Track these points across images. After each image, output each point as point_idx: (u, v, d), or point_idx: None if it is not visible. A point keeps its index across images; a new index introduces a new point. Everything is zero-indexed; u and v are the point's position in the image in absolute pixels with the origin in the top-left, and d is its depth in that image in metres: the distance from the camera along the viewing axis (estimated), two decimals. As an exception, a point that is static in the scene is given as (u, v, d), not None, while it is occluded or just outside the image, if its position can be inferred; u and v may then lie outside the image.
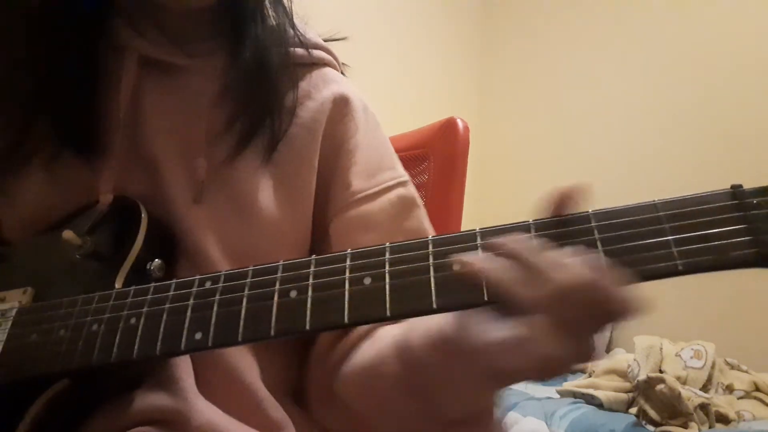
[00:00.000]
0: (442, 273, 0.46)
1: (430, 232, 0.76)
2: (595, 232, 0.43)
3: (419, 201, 0.76)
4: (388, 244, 0.50)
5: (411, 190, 0.76)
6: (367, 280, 0.48)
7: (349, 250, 0.51)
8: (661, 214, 0.42)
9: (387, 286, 0.47)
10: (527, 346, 0.41)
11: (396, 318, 0.47)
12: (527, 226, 0.46)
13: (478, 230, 0.47)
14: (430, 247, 0.48)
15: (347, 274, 0.49)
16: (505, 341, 0.42)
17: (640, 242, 0.42)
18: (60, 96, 0.67)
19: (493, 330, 0.43)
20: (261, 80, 0.71)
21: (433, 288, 0.46)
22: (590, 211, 0.44)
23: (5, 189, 0.68)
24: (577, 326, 0.41)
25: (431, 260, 0.47)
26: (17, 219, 0.68)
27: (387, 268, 0.48)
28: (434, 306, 0.45)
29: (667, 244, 0.41)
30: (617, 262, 0.41)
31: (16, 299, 0.62)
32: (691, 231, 0.40)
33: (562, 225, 0.45)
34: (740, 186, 0.41)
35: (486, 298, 0.43)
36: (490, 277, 0.43)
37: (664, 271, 0.40)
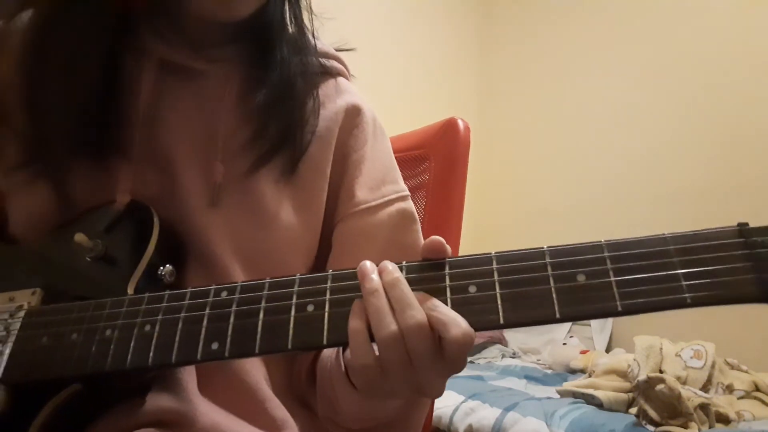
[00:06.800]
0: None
1: None
2: (608, 261, 0.45)
3: (416, 216, 0.78)
4: (405, 263, 0.51)
5: (410, 205, 0.78)
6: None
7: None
8: (670, 248, 0.44)
9: None
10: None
11: None
12: (542, 252, 0.47)
13: (494, 254, 0.49)
14: (447, 268, 0.49)
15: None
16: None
17: (651, 274, 0.43)
18: (79, 96, 0.67)
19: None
20: (286, 100, 0.73)
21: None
22: (603, 241, 0.46)
23: (20, 187, 0.68)
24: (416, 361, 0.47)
25: (448, 281, 0.49)
26: (29, 217, 0.68)
27: None
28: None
29: (677, 278, 0.42)
30: (629, 292, 0.43)
31: (24, 300, 0.62)
32: (699, 266, 0.42)
33: (575, 253, 0.46)
34: (746, 224, 0.42)
35: None
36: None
37: (673, 303, 0.42)
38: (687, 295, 0.41)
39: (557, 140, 3.61)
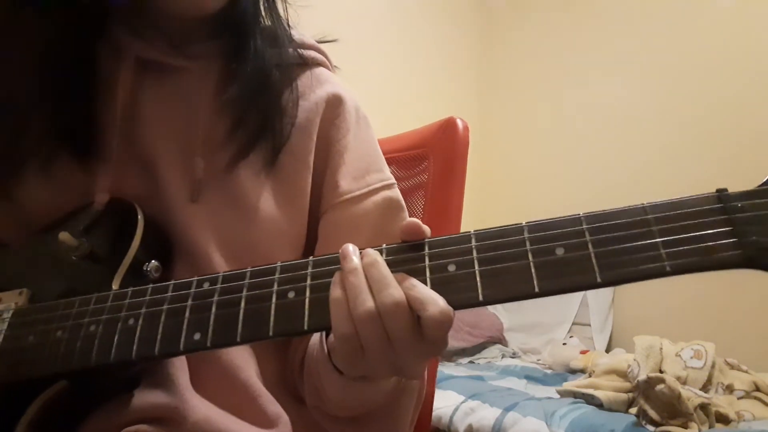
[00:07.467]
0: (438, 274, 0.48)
1: None
2: (586, 234, 0.45)
3: (403, 204, 0.78)
4: (384, 246, 0.51)
5: (396, 193, 0.77)
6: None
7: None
8: (649, 216, 0.43)
9: None
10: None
11: None
12: (520, 228, 0.47)
13: (473, 232, 0.48)
14: (426, 249, 0.49)
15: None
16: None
17: (630, 244, 0.43)
18: (57, 96, 0.67)
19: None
20: (262, 92, 0.72)
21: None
22: (581, 214, 0.46)
23: (1, 190, 0.68)
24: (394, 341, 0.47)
25: (427, 261, 0.48)
26: (12, 220, 0.68)
27: None
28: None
29: (656, 246, 0.42)
30: (608, 263, 0.43)
31: (11, 300, 0.62)
32: (678, 233, 0.42)
33: (553, 227, 0.46)
34: (725, 190, 0.42)
35: None
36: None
37: (652, 272, 0.42)
38: (666, 263, 0.41)
39: (557, 140, 3.62)
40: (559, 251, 0.44)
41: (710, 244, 0.40)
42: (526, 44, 3.88)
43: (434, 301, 0.46)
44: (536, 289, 0.44)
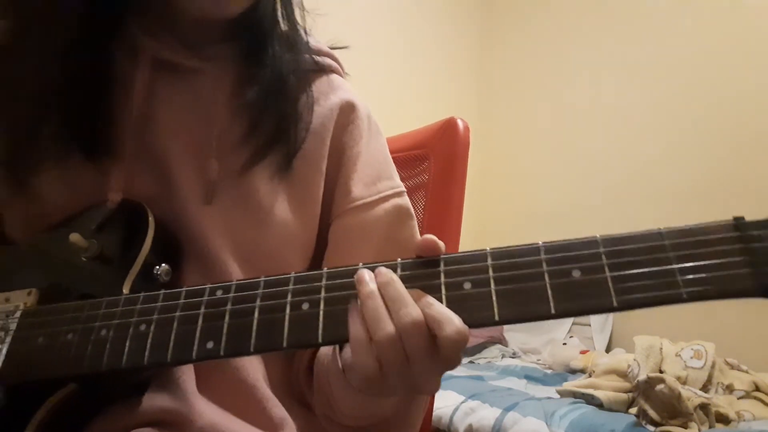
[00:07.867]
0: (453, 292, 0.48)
1: None
2: (603, 257, 0.45)
3: (412, 212, 0.78)
4: (400, 260, 0.51)
5: (406, 200, 0.78)
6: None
7: (361, 264, 0.52)
8: (666, 242, 0.43)
9: None
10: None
11: None
12: (537, 248, 0.47)
13: (489, 250, 0.48)
14: (442, 265, 0.49)
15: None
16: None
17: (647, 269, 0.43)
18: (72, 96, 0.67)
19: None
20: (279, 97, 0.73)
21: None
22: (598, 236, 0.46)
23: (13, 188, 0.68)
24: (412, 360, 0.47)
25: (443, 278, 0.48)
26: (24, 218, 0.68)
27: None
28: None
29: (672, 273, 0.42)
30: (624, 288, 0.43)
31: (20, 300, 0.62)
32: (695, 261, 0.42)
33: (570, 249, 0.46)
34: (742, 218, 0.42)
35: None
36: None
37: (668, 299, 0.42)
38: (683, 290, 0.41)
39: (557, 140, 3.62)
40: (576, 273, 0.44)
41: (726, 273, 0.40)
42: (526, 44, 3.87)
43: (451, 321, 0.46)
44: (552, 311, 0.44)
